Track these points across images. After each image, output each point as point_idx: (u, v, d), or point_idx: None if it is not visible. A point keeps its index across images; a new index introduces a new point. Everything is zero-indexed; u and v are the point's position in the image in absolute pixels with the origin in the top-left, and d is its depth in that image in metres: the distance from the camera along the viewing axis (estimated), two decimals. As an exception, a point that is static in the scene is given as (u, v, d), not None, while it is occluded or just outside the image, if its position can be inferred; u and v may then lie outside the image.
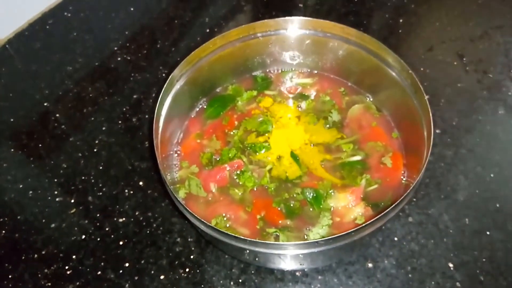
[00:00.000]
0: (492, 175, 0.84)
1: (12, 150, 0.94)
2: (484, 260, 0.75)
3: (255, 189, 0.77)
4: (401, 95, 0.77)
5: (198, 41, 1.09)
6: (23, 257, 0.79)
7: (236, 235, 0.60)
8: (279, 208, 0.74)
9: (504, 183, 0.83)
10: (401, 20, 1.12)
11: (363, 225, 0.59)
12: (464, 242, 0.77)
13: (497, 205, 0.81)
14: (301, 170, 0.78)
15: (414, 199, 0.82)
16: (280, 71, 0.92)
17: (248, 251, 0.63)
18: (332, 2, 1.17)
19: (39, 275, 0.77)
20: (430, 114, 0.68)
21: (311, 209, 0.74)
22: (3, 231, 0.82)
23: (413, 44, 1.06)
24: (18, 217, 0.84)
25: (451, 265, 0.75)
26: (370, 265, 0.75)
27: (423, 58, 1.03)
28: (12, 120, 0.98)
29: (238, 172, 0.78)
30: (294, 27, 0.83)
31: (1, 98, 1.02)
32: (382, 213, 0.61)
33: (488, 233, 0.78)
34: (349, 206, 0.74)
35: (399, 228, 0.79)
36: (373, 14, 1.14)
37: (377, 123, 0.84)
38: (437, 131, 0.90)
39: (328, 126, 0.84)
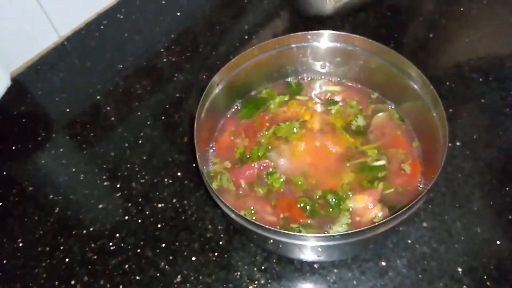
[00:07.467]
0: (507, 189, 0.88)
1: (67, 137, 1.05)
2: (492, 267, 0.79)
3: (281, 190, 0.84)
4: (422, 108, 0.82)
5: (237, 47, 1.17)
6: (73, 232, 0.89)
7: (262, 224, 0.67)
8: (301, 207, 0.80)
9: (518, 197, 0.87)
10: (431, 35, 1.16)
11: (376, 224, 0.66)
12: (474, 249, 0.81)
13: (510, 217, 0.85)
14: (325, 173, 0.85)
15: (430, 206, 0.87)
16: (311, 78, 0.98)
17: (271, 240, 0.70)
18: (365, 15, 1.22)
19: (87, 249, 0.87)
20: (447, 129, 0.73)
21: (331, 210, 0.81)
22: (57, 208, 0.93)
23: (441, 59, 1.10)
24: (71, 197, 0.94)
25: (459, 269, 0.80)
26: (383, 263, 0.81)
27: (449, 73, 1.07)
28: (68, 110, 1.09)
29: (267, 172, 0.85)
30: (326, 39, 0.89)
31: (59, 91, 1.13)
32: (394, 215, 0.67)
33: (498, 242, 0.82)
34: (367, 207, 0.80)
35: (413, 232, 0.84)
36: (404, 28, 1.18)
37: (400, 132, 0.89)
38: (457, 143, 0.95)
39: (353, 128, 0.90)
